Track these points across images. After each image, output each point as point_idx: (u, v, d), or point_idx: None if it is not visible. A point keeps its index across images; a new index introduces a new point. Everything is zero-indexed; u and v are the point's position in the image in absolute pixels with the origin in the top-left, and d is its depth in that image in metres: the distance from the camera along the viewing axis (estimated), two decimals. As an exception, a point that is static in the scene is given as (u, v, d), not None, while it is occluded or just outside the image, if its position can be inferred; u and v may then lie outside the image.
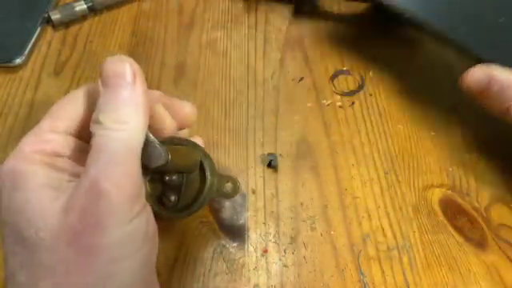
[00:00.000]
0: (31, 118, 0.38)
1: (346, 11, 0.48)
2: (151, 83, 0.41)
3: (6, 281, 0.22)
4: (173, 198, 0.27)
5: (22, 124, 0.38)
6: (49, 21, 0.45)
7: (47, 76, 0.42)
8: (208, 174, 0.28)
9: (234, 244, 0.32)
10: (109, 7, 0.47)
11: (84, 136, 0.24)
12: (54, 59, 0.43)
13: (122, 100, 0.22)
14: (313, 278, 0.30)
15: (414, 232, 0.32)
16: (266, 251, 0.31)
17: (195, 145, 0.28)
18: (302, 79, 0.42)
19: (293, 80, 0.42)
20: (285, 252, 0.32)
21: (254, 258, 0.31)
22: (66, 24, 0.46)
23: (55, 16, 0.44)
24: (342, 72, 0.42)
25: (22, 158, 0.22)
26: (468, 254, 0.31)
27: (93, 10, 0.46)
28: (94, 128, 0.22)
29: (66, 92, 0.40)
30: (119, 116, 0.21)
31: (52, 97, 0.40)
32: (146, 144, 0.23)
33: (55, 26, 0.45)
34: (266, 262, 0.31)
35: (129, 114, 0.22)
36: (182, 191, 0.27)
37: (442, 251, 0.32)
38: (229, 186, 0.28)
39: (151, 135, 0.24)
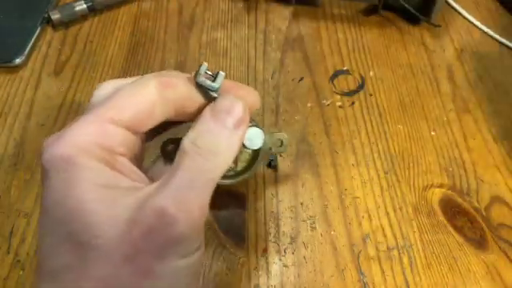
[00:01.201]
0: (31, 117, 0.38)
1: (345, 11, 0.48)
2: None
3: (43, 274, 0.20)
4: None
5: (22, 124, 0.38)
6: (49, 21, 0.45)
7: (47, 76, 0.42)
8: None
9: (234, 244, 0.32)
10: (109, 7, 0.47)
11: (139, 130, 0.23)
12: (54, 59, 0.43)
13: (223, 137, 0.22)
14: (313, 278, 0.30)
15: (414, 232, 0.32)
16: (265, 251, 0.31)
17: None
18: (302, 79, 0.42)
19: (293, 80, 0.42)
20: (285, 252, 0.31)
21: (253, 258, 0.31)
22: (65, 24, 0.46)
23: (55, 16, 0.44)
24: (341, 72, 0.42)
25: (77, 148, 0.20)
26: (468, 253, 0.31)
27: (93, 10, 0.46)
28: (188, 146, 0.21)
29: (66, 92, 0.40)
30: (215, 148, 0.21)
31: (52, 96, 0.40)
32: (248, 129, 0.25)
33: (55, 25, 0.45)
34: (266, 262, 0.31)
35: (223, 151, 0.22)
36: (237, 156, 0.28)
37: (442, 251, 0.32)
38: (279, 142, 0.29)
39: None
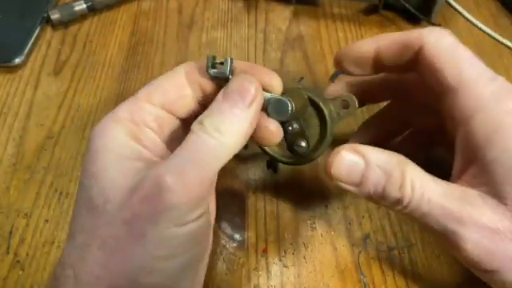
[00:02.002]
0: (30, 117, 0.38)
1: (346, 11, 0.48)
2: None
3: (68, 237, 0.23)
4: (303, 143, 0.28)
5: (22, 123, 0.38)
6: (48, 20, 0.45)
7: (47, 75, 0.41)
8: (321, 104, 0.28)
9: (234, 244, 0.32)
10: (108, 7, 0.47)
11: (176, 112, 0.26)
12: (54, 59, 0.43)
13: (231, 116, 0.22)
14: (313, 277, 0.30)
15: (415, 232, 0.32)
16: (265, 251, 0.31)
17: (293, 88, 0.28)
18: (302, 79, 0.42)
19: (293, 80, 0.41)
20: (285, 252, 0.31)
21: (253, 258, 0.31)
22: (65, 24, 0.46)
23: (55, 16, 0.44)
24: (342, 72, 0.42)
25: (111, 122, 0.23)
26: (468, 254, 0.31)
27: (92, 10, 0.46)
28: (195, 127, 0.22)
29: (66, 92, 0.40)
30: (221, 126, 0.22)
31: (51, 96, 0.40)
32: (269, 102, 0.25)
33: (55, 25, 0.45)
34: (266, 262, 0.31)
35: (230, 129, 0.22)
36: (307, 133, 0.28)
37: (443, 251, 0.31)
38: (345, 104, 0.28)
39: (267, 93, 0.25)
